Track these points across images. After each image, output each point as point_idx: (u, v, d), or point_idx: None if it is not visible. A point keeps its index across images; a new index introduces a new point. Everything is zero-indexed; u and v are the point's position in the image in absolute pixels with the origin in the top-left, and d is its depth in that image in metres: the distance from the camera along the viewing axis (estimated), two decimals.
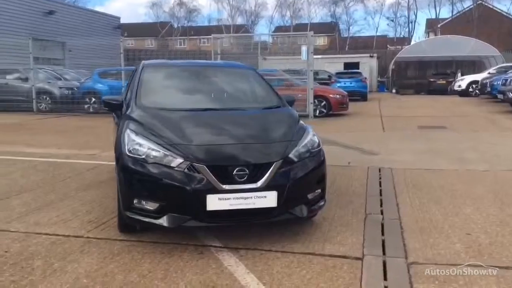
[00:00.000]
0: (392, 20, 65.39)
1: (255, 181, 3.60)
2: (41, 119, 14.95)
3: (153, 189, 3.62)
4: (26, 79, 17.47)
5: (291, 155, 3.83)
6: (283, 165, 3.72)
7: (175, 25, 65.39)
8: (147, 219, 3.65)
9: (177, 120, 4.11)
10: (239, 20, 68.49)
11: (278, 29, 62.84)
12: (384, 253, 3.72)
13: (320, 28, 63.88)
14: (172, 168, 3.57)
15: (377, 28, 70.26)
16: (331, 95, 15.31)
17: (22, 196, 5.28)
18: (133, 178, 3.70)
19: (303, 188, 3.87)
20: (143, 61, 5.20)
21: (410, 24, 64.26)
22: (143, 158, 3.67)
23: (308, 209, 3.91)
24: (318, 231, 4.19)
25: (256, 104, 4.83)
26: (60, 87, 17.52)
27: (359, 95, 23.89)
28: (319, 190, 4.06)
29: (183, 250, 3.72)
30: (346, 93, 16.21)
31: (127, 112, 4.35)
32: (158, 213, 3.60)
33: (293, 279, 3.24)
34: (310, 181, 3.96)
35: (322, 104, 15.15)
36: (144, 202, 3.64)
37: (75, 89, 17.34)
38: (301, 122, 4.51)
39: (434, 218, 4.55)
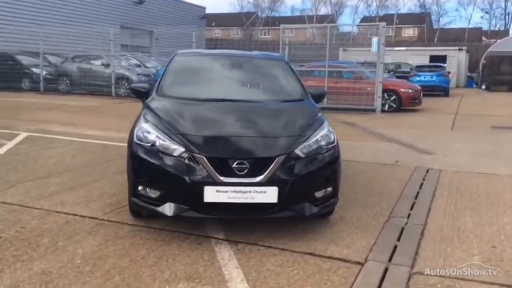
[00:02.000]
0: (487, 12, 61.17)
1: (256, 175, 3.52)
2: (117, 103, 15.75)
3: (155, 177, 3.67)
4: (108, 65, 18.49)
5: (297, 150, 3.69)
6: (287, 160, 3.60)
7: (260, 15, 65.71)
8: (149, 206, 3.70)
9: (190, 110, 4.13)
10: (323, 10, 67.57)
11: (365, 19, 61.08)
12: (390, 260, 3.50)
13: (408, 18, 61.41)
14: (174, 157, 3.59)
15: (469, 20, 65.89)
16: (401, 89, 14.64)
17: (62, 176, 5.60)
18: (139, 165, 3.77)
19: (309, 185, 3.72)
20: (177, 51, 5.27)
21: (507, 16, 59.79)
22: (149, 146, 3.72)
23: (314, 208, 3.76)
24: (329, 230, 4.02)
25: (277, 97, 4.70)
26: (138, 74, 18.36)
27: (440, 90, 22.72)
28: (330, 189, 3.88)
29: (184, 239, 3.74)
30: (419, 87, 15.42)
31: (147, 101, 4.44)
32: (159, 201, 3.64)
33: (279, 279, 3.13)
34: (317, 178, 3.80)
35: (392, 98, 14.55)
36: (148, 189, 3.69)
37: (152, 76, 18.05)
38: (320, 116, 4.31)
39: (464, 227, 4.20)
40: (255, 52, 6.08)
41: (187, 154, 3.56)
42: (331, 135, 4.05)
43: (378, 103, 14.02)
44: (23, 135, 8.27)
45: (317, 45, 16.84)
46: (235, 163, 3.51)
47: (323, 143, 3.90)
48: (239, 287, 3.02)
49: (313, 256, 3.51)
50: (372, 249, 3.66)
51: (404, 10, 64.44)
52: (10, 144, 7.40)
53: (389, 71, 24.71)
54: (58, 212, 4.30)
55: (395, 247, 3.75)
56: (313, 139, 3.85)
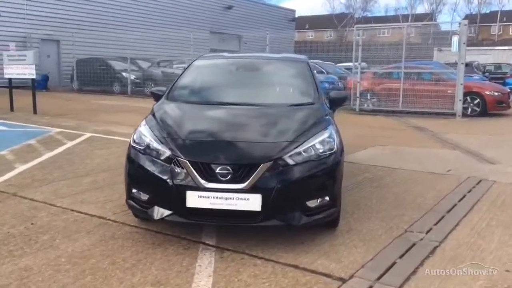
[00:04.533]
0: None
1: (240, 182, 3.40)
2: None
3: (145, 180, 3.69)
4: None
5: (286, 157, 3.51)
6: (273, 167, 3.44)
7: (355, 16, 64.23)
8: (141, 209, 3.73)
9: (187, 114, 4.12)
10: (420, 9, 64.49)
11: (467, 17, 57.34)
12: (379, 278, 3.21)
13: None
14: (161, 161, 3.59)
15: None
16: (486, 92, 13.48)
17: (97, 175, 5.86)
18: (132, 167, 3.81)
19: (299, 194, 3.52)
20: (200, 55, 5.30)
21: None
22: (143, 149, 3.75)
23: (306, 218, 3.55)
24: (328, 242, 3.78)
25: (285, 100, 4.51)
26: None
27: None
28: (327, 198, 3.64)
29: (173, 244, 3.71)
30: (508, 90, 14.12)
31: (155, 105, 4.50)
32: (148, 204, 3.66)
33: None
34: (309, 186, 3.58)
35: (476, 102, 13.44)
36: (140, 192, 3.73)
37: None
38: (327, 119, 4.07)
39: (485, 246, 3.75)
40: (277, 55, 5.91)
41: (173, 158, 3.54)
42: (332, 141, 3.79)
43: (458, 106, 13.03)
44: (86, 135, 8.82)
45: (396, 45, 16.01)
46: (218, 168, 3.42)
47: (320, 150, 3.67)
48: None
49: (296, 268, 3.32)
50: (364, 265, 3.39)
51: (509, 7, 59.56)
52: (69, 144, 7.90)
53: (483, 72, 22.98)
54: (73, 210, 4.50)
55: (393, 264, 3.43)
56: (308, 145, 3.64)
